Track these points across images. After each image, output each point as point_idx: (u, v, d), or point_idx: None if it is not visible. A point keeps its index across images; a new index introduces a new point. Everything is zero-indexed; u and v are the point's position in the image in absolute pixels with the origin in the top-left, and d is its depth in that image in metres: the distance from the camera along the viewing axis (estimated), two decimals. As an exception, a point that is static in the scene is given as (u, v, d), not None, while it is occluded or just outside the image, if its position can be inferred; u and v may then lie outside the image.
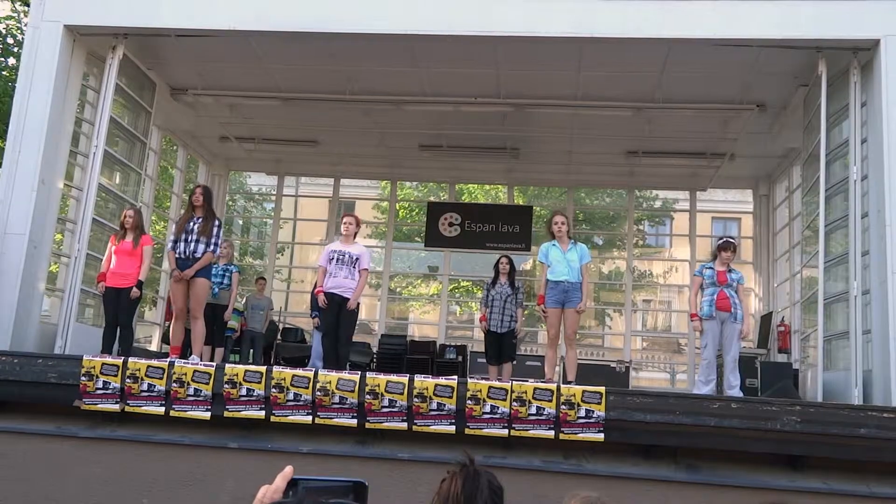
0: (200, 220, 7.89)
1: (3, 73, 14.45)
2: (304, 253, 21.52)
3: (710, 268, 7.88)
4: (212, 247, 7.81)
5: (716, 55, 8.71)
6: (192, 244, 7.76)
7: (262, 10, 8.64)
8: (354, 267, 7.94)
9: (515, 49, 9.07)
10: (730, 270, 7.82)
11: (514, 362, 9.56)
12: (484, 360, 9.63)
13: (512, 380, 6.67)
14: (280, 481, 1.42)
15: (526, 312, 8.97)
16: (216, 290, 9.43)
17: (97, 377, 6.52)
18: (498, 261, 9.44)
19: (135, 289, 7.97)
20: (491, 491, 2.03)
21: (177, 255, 7.80)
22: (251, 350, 11.28)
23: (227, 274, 9.91)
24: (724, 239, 8.06)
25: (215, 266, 9.01)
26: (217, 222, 7.96)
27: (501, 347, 9.09)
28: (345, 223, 8.20)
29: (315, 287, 9.41)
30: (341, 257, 7.97)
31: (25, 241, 8.18)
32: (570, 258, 7.79)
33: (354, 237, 8.25)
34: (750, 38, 8.22)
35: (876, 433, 5.91)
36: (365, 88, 10.60)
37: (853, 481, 5.89)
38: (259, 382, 6.40)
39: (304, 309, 10.80)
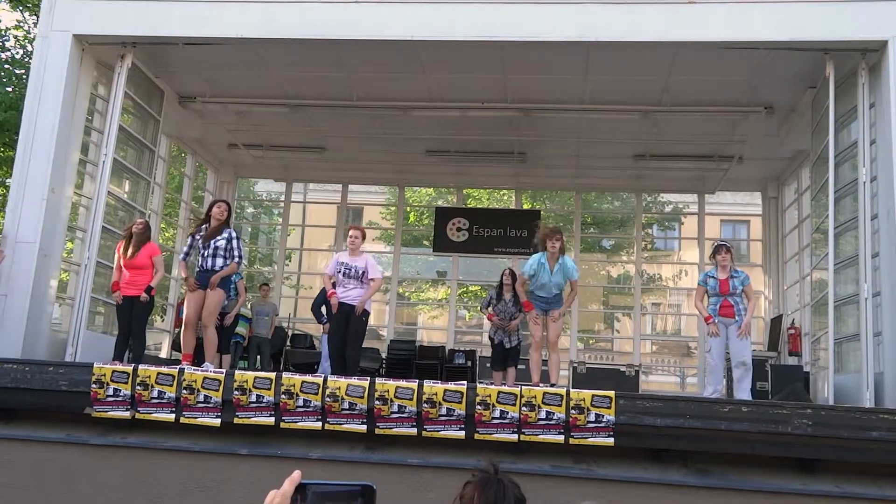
0: (207, 231, 7.94)
1: (13, 82, 14.54)
2: (312, 259, 21.55)
3: (713, 277, 7.88)
4: (229, 260, 7.83)
5: (723, 58, 8.70)
6: (210, 259, 7.83)
7: (269, 18, 8.68)
8: (362, 280, 7.98)
9: (522, 54, 9.08)
10: (733, 276, 7.79)
11: (521, 367, 9.55)
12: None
13: (521, 385, 6.66)
14: (288, 486, 1.43)
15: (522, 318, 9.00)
16: (225, 300, 9.45)
17: (108, 384, 6.55)
18: (502, 274, 9.40)
19: (144, 294, 7.99)
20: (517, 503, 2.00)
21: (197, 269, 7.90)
22: (258, 356, 11.31)
23: (232, 283, 9.90)
24: (716, 243, 8.13)
25: None
26: (228, 234, 7.97)
27: (505, 353, 9.13)
28: (350, 237, 8.19)
29: (323, 292, 9.42)
30: (348, 271, 7.99)
31: (36, 250, 8.23)
32: (557, 281, 7.92)
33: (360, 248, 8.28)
34: (757, 40, 8.20)
35: (888, 436, 5.88)
36: (371, 94, 10.63)
37: (865, 484, 5.85)
38: (269, 389, 6.41)
39: (312, 315, 10.76)
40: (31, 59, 10.64)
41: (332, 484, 1.47)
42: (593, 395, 6.15)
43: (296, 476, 1.44)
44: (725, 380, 8.32)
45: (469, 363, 11.83)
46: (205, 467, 6.34)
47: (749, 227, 19.64)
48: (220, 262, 7.79)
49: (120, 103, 9.02)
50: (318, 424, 6.31)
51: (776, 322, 11.92)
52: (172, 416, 6.50)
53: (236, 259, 7.89)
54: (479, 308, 12.38)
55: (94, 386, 6.55)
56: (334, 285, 8.05)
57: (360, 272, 7.99)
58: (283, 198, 15.81)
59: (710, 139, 11.52)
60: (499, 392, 6.24)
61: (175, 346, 11.38)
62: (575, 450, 6.16)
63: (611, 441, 6.06)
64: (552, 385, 7.36)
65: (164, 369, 6.70)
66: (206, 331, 7.85)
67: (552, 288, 7.94)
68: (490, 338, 9.40)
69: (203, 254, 7.84)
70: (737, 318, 7.66)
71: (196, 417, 6.47)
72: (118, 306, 8.13)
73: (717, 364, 7.77)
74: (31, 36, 15.32)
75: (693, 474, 6.06)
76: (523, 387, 6.42)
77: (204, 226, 8.01)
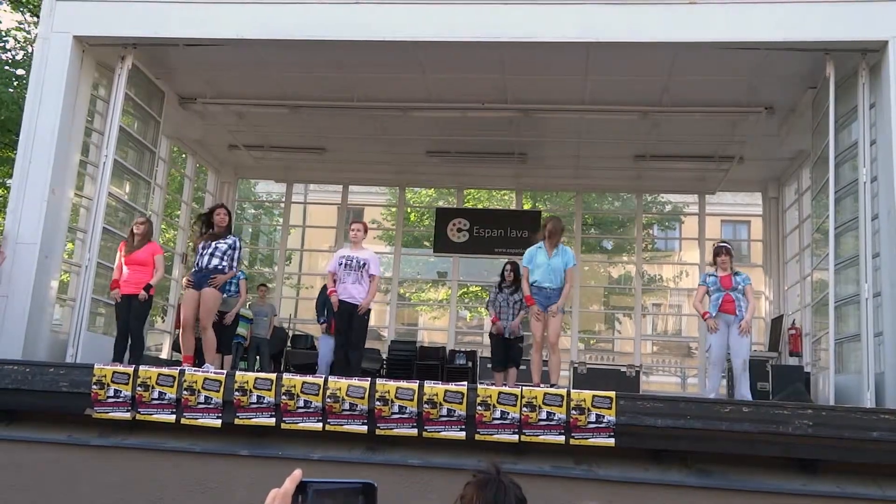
0: (210, 235, 7.96)
1: (14, 83, 14.56)
2: (313, 260, 21.56)
3: (713, 275, 7.93)
4: (225, 262, 7.83)
5: (723, 58, 8.70)
6: (207, 258, 7.84)
7: (268, 19, 8.69)
8: (362, 272, 7.98)
9: (522, 54, 9.08)
10: (735, 274, 7.83)
11: (522, 368, 9.53)
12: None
13: (522, 385, 6.65)
14: (289, 484, 1.43)
15: (524, 317, 8.98)
16: (226, 296, 9.45)
17: (108, 385, 6.54)
18: (503, 267, 9.43)
19: (142, 292, 7.98)
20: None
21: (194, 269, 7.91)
22: (257, 357, 11.30)
23: (234, 281, 9.90)
24: (716, 245, 8.15)
25: None
26: (233, 241, 7.99)
27: (508, 353, 9.09)
28: (353, 230, 8.26)
29: (325, 289, 9.44)
30: (349, 262, 8.02)
31: (37, 251, 8.23)
32: (554, 264, 7.92)
33: (362, 243, 8.29)
34: (757, 40, 8.20)
35: (889, 436, 5.87)
36: (372, 95, 10.63)
37: (866, 485, 5.85)
38: (269, 390, 6.41)
39: (313, 316, 10.79)
40: (31, 60, 10.65)
41: (333, 482, 1.47)
42: (594, 396, 6.15)
43: (297, 475, 1.44)
44: (725, 379, 8.34)
45: (470, 364, 11.82)
46: (205, 468, 6.34)
47: (749, 227, 19.64)
48: (216, 261, 7.78)
49: (120, 104, 9.03)
50: (319, 425, 6.31)
51: (777, 322, 11.92)
52: (173, 418, 6.50)
53: (234, 269, 7.94)
54: (484, 307, 12.37)
55: (94, 387, 6.55)
56: (336, 281, 8.07)
57: (361, 263, 7.99)
58: (283, 199, 15.81)
59: (711, 139, 11.52)
60: (499, 393, 6.24)
61: (176, 347, 11.38)
62: (576, 450, 6.16)
63: (611, 442, 6.06)
64: (552, 386, 7.36)
65: (165, 370, 6.70)
66: (204, 332, 7.84)
67: (551, 273, 7.90)
68: (490, 335, 9.39)
69: (202, 253, 7.84)
70: (737, 313, 7.68)
71: (197, 418, 6.46)
72: (117, 305, 8.13)
73: (718, 362, 7.78)
74: (32, 37, 15.34)
75: (694, 475, 6.06)
76: (524, 387, 6.41)
77: (208, 231, 8.01)
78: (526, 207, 16.86)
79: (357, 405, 6.29)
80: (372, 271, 8.04)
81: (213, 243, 7.85)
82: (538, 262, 7.97)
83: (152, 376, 6.57)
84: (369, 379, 6.51)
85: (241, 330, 10.72)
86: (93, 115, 9.62)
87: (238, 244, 8.02)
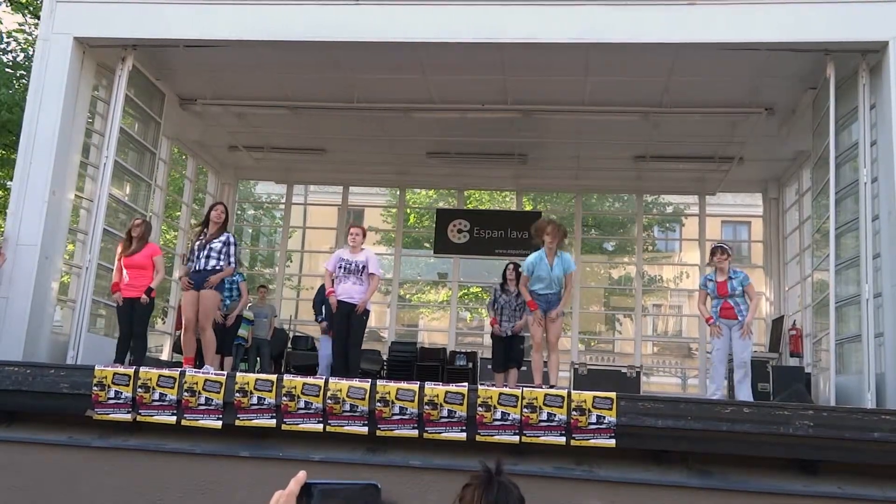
0: (206, 234, 7.95)
1: (14, 85, 14.56)
2: (313, 261, 21.55)
3: (712, 280, 7.92)
4: (223, 261, 7.82)
5: (723, 59, 8.70)
6: (203, 260, 7.83)
7: (268, 20, 8.69)
8: (361, 275, 7.98)
9: (523, 56, 9.08)
10: (731, 277, 7.80)
11: (523, 368, 9.52)
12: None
13: (522, 386, 6.65)
14: (293, 485, 1.43)
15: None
16: (227, 301, 9.45)
17: (109, 387, 6.54)
18: (505, 267, 9.43)
19: (143, 295, 7.98)
20: None
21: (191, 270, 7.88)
22: (258, 358, 11.31)
23: (234, 285, 9.91)
24: (713, 245, 8.16)
25: None
26: (226, 237, 7.98)
27: (508, 354, 9.08)
28: (351, 234, 8.24)
29: (323, 289, 9.44)
30: (348, 266, 8.01)
31: (37, 252, 8.24)
32: (556, 274, 7.93)
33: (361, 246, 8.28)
34: (758, 41, 8.21)
35: (890, 437, 5.86)
36: (372, 96, 10.63)
37: (867, 485, 5.84)
38: (270, 391, 6.41)
39: (313, 317, 10.78)
40: (32, 62, 10.65)
41: (337, 483, 1.47)
42: (594, 397, 6.14)
43: (301, 476, 1.44)
44: (727, 381, 8.33)
45: (470, 365, 11.82)
46: (206, 469, 6.33)
47: (750, 228, 19.68)
48: (213, 262, 7.78)
49: (121, 106, 9.03)
50: (320, 426, 6.31)
51: (777, 323, 11.91)
52: (174, 419, 6.49)
53: (231, 265, 7.90)
54: (483, 308, 12.36)
55: (95, 388, 6.54)
56: (334, 282, 8.07)
57: (361, 267, 8.00)
58: (283, 200, 15.81)
59: (711, 140, 11.53)
60: (500, 394, 6.24)
61: (176, 348, 11.38)
62: (577, 451, 6.15)
63: (612, 442, 6.05)
64: (551, 386, 7.36)
65: (166, 372, 6.69)
66: (203, 333, 7.84)
67: (552, 283, 7.91)
68: (492, 335, 9.38)
69: (198, 255, 7.84)
70: (738, 318, 7.68)
71: (197, 420, 6.46)
72: (118, 308, 8.12)
73: (719, 365, 7.78)
74: (33, 39, 15.33)
75: (694, 475, 6.06)
76: (525, 388, 6.41)
77: (204, 230, 8.02)
78: (527, 208, 16.87)
79: (358, 406, 6.28)
80: (371, 270, 8.04)
81: (208, 244, 7.84)
82: (540, 275, 7.95)
83: (153, 378, 6.56)
84: (370, 380, 6.51)
85: (242, 331, 10.74)
86: (93, 117, 9.63)
87: (232, 240, 7.98)
